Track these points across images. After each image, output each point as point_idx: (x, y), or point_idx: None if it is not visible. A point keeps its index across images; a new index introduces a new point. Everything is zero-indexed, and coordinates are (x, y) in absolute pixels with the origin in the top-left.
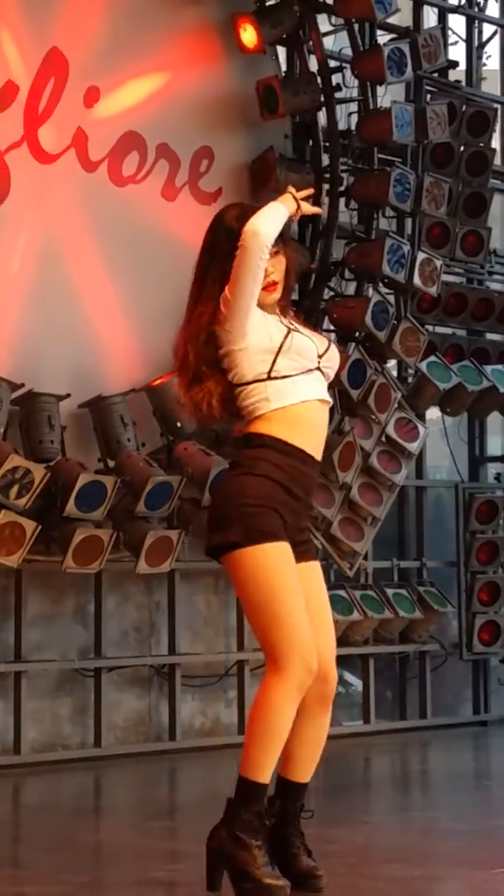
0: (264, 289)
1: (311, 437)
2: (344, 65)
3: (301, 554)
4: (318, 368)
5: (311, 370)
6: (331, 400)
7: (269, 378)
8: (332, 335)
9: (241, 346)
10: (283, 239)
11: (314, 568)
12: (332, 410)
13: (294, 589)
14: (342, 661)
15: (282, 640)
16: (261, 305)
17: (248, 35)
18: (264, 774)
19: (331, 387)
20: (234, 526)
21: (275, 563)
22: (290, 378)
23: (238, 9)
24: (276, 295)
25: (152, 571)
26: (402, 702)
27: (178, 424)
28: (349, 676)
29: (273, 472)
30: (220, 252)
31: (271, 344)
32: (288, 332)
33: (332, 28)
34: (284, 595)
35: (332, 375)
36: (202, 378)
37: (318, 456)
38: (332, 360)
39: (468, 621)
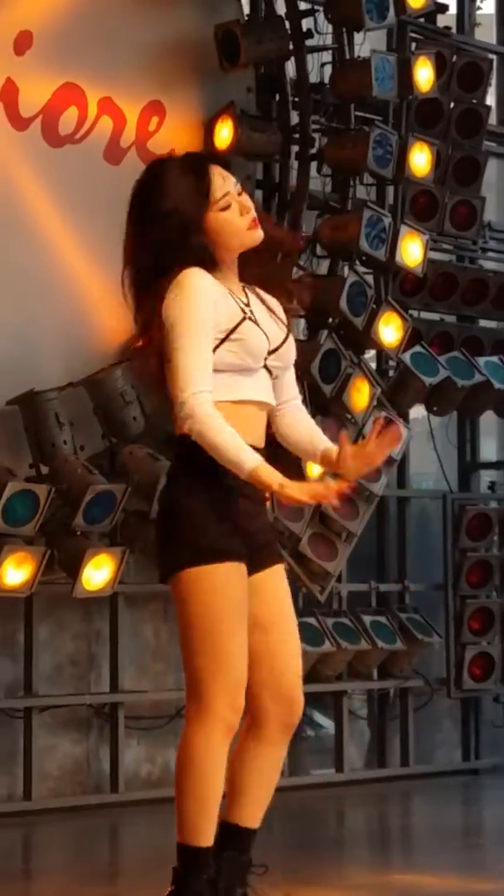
0: (248, 228)
1: (248, 428)
2: (316, 8)
3: (265, 558)
4: (265, 366)
5: (252, 370)
6: (272, 402)
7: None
8: (301, 322)
9: None
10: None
11: (278, 572)
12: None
13: (240, 619)
14: (311, 700)
15: (211, 674)
16: (249, 247)
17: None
18: (206, 837)
19: (299, 380)
20: (181, 543)
21: (224, 588)
22: (224, 373)
23: None
24: (261, 232)
25: (92, 595)
26: (380, 747)
27: (123, 424)
28: (319, 717)
29: (219, 475)
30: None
31: (216, 329)
32: (242, 320)
33: None
34: (228, 625)
35: (280, 374)
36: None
37: (261, 444)
38: (284, 356)
39: (457, 653)
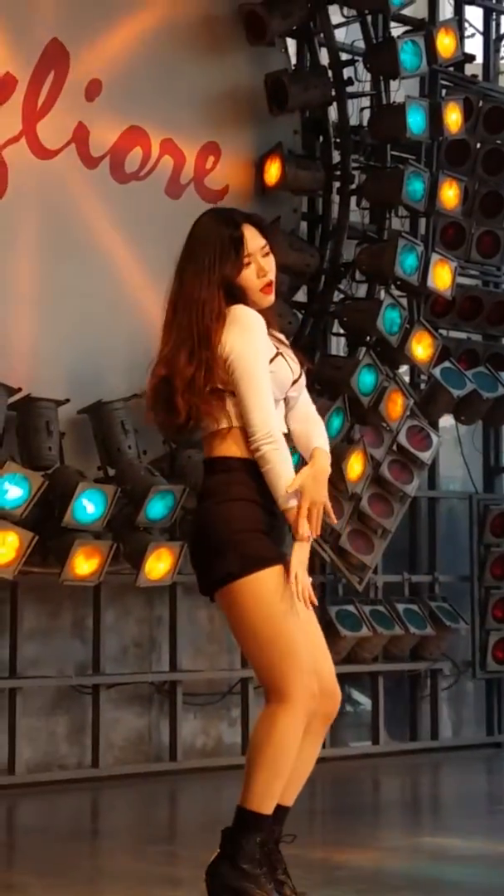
0: (262, 290)
1: None
2: (356, 58)
3: (285, 558)
4: (285, 398)
5: (277, 400)
6: (286, 429)
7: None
8: (342, 339)
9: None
10: (269, 235)
11: None
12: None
13: (294, 613)
14: (351, 679)
15: (287, 671)
16: (258, 309)
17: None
18: (269, 806)
19: (340, 395)
20: (227, 556)
21: (275, 591)
22: None
23: None
24: (272, 297)
25: (153, 584)
26: (412, 722)
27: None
28: (357, 695)
29: (251, 495)
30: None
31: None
32: (276, 355)
33: (344, 20)
34: (287, 623)
35: (294, 405)
36: (174, 401)
37: None
38: (300, 387)
39: (482, 638)
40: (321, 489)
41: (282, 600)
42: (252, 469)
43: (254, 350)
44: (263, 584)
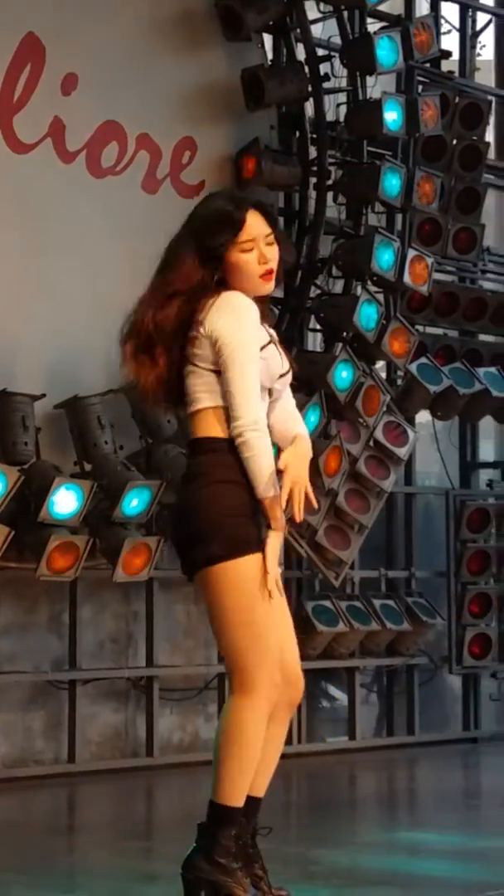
0: (262, 276)
1: None
2: (333, 54)
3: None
4: (270, 388)
5: (264, 389)
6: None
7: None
8: (318, 335)
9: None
10: (276, 225)
11: None
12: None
13: (270, 603)
14: (326, 675)
15: (256, 657)
16: (255, 297)
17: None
18: (240, 798)
19: (317, 390)
20: (214, 539)
21: (255, 578)
22: None
23: None
24: (272, 286)
25: (130, 580)
26: (388, 717)
27: (158, 427)
28: (334, 690)
29: (237, 477)
30: (201, 231)
31: None
32: (268, 343)
33: (320, 15)
34: (262, 612)
35: (279, 398)
36: (152, 351)
37: None
38: (286, 381)
39: (458, 634)
40: (304, 469)
41: (260, 588)
42: (236, 451)
43: (246, 337)
44: (245, 570)
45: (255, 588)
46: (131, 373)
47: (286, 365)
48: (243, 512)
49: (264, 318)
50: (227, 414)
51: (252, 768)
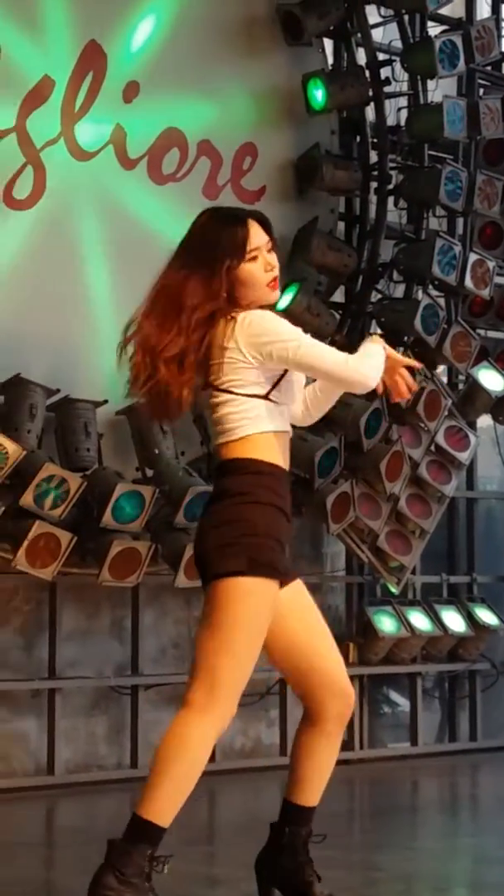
0: (268, 285)
1: (284, 454)
2: (393, 58)
3: (290, 572)
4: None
5: (289, 404)
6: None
7: (266, 398)
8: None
9: (260, 363)
10: (273, 233)
11: (301, 584)
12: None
13: (264, 632)
14: (389, 680)
15: (230, 674)
16: (253, 304)
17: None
18: (168, 818)
19: (373, 394)
20: (239, 555)
21: (264, 601)
22: (281, 406)
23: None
24: (278, 294)
25: (191, 585)
26: (451, 723)
27: None
28: (396, 696)
29: (275, 500)
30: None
31: (281, 367)
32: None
33: (381, 19)
34: (259, 635)
35: (296, 412)
36: (183, 366)
37: (288, 468)
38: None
39: None
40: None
41: (263, 616)
42: (275, 473)
43: (289, 328)
44: (259, 591)
45: (258, 613)
46: (161, 386)
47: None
48: (275, 535)
49: None
50: (260, 439)
51: (189, 789)
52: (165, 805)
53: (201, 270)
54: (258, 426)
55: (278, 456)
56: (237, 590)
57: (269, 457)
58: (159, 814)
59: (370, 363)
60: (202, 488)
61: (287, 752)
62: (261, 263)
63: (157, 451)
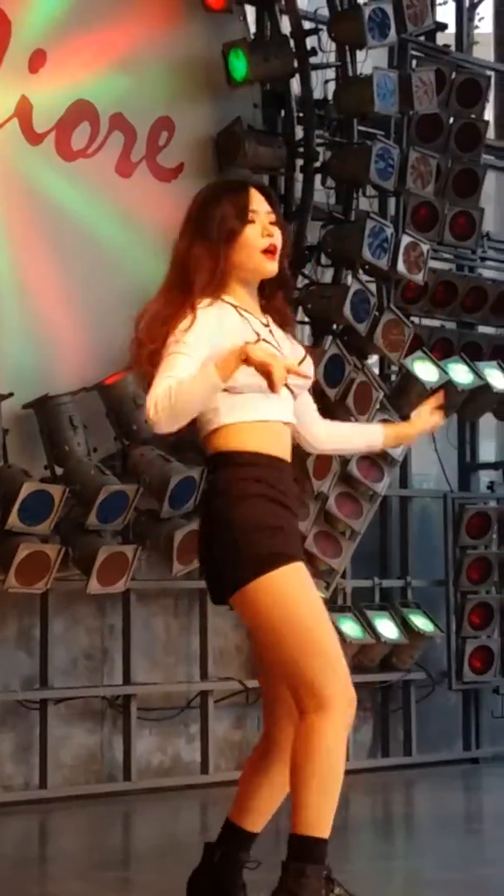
0: (264, 251)
1: (276, 444)
2: (320, 27)
3: (299, 551)
4: (286, 385)
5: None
6: (293, 421)
7: (224, 391)
8: (306, 328)
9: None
10: (277, 208)
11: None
12: None
13: (321, 609)
14: None
15: (321, 670)
16: (254, 279)
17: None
18: (327, 828)
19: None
20: (240, 559)
21: (296, 586)
22: (244, 395)
23: None
24: (275, 266)
25: (105, 591)
26: (383, 737)
27: (135, 427)
28: None
29: (264, 490)
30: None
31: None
32: (255, 342)
33: None
34: (315, 619)
35: (300, 393)
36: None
37: (289, 458)
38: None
39: (458, 646)
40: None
41: (303, 598)
42: (262, 461)
43: (186, 337)
44: (281, 583)
45: (294, 599)
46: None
47: (297, 356)
48: (269, 524)
49: (273, 312)
50: (234, 429)
51: (336, 795)
52: (317, 816)
53: (203, 239)
54: (231, 416)
55: (264, 444)
56: (260, 593)
57: (252, 445)
58: (318, 827)
59: (181, 399)
60: (115, 487)
61: (209, 770)
62: (258, 228)
63: (135, 428)
